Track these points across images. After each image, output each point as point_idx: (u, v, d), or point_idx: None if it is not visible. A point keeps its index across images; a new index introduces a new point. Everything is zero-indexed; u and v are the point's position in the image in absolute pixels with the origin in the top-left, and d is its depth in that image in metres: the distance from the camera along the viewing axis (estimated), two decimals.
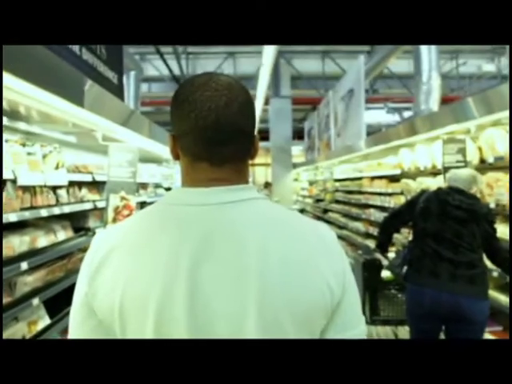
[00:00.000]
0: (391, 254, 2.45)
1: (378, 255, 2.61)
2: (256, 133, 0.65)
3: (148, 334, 0.54)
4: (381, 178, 4.85)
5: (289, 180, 9.43)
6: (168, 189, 5.32)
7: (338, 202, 6.97)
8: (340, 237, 6.88)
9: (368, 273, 2.61)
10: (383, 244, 2.38)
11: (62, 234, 2.28)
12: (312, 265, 0.56)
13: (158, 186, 4.95)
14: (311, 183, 9.17)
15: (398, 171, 4.14)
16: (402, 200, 4.13)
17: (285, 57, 9.52)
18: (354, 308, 0.61)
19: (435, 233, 2.07)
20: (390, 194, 4.45)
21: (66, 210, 2.19)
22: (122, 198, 2.55)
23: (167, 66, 9.21)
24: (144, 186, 4.05)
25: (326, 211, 7.99)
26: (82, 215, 2.59)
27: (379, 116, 10.82)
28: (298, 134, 12.39)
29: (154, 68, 9.60)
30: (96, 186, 2.79)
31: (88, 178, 2.53)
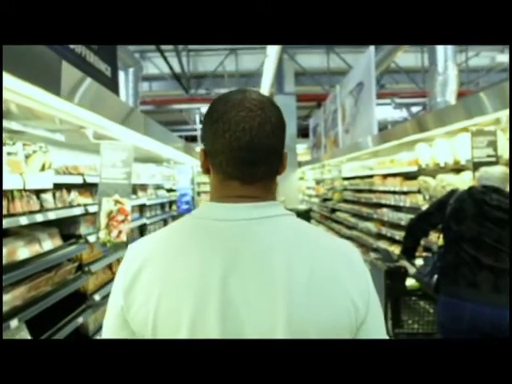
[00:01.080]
0: (418, 261, 2.18)
1: (403, 262, 2.33)
2: (284, 150, 0.65)
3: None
4: (394, 175, 4.58)
5: (294, 179, 9.16)
6: (170, 190, 5.08)
7: (346, 201, 6.70)
8: (349, 237, 6.61)
9: (391, 281, 2.34)
10: (410, 249, 2.11)
11: (49, 243, 2.03)
12: (338, 283, 0.57)
13: (158, 187, 4.70)
14: (318, 182, 8.90)
15: (414, 168, 3.86)
16: (419, 199, 3.86)
17: (288, 52, 9.26)
18: (377, 326, 0.61)
19: (472, 237, 1.80)
20: (405, 193, 4.18)
21: (52, 216, 1.94)
22: (116, 202, 2.30)
23: (168, 63, 9.01)
24: (143, 187, 3.81)
25: (333, 211, 7.71)
26: (73, 221, 2.35)
27: (386, 112, 10.51)
28: (303, 132, 12.12)
29: (155, 66, 9.37)
30: (89, 188, 2.54)
31: (78, 179, 2.29)
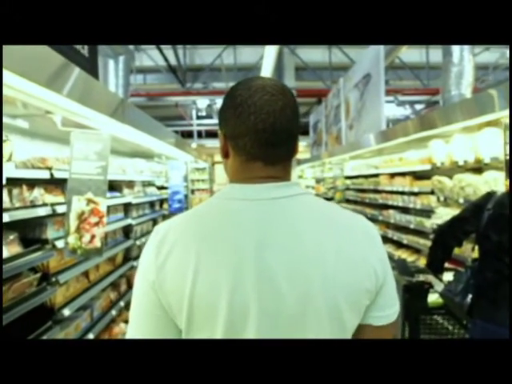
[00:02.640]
0: (445, 275, 1.85)
1: (428, 276, 2.00)
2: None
3: (220, 321, 0.57)
4: (402, 174, 4.25)
5: (293, 177, 8.81)
6: (162, 187, 4.73)
7: (348, 201, 6.38)
8: None
9: (410, 298, 2.01)
10: (438, 262, 1.78)
11: (4, 250, 1.68)
12: (360, 253, 0.63)
13: (149, 184, 4.35)
14: (318, 181, 8.56)
15: (426, 166, 3.53)
16: (431, 200, 3.53)
17: (289, 46, 8.91)
18: (392, 289, 0.68)
19: None
20: (415, 194, 3.85)
21: (5, 218, 1.59)
22: (89, 201, 1.95)
23: (163, 55, 8.63)
24: (130, 184, 3.45)
25: None
26: (39, 223, 1.99)
27: (389, 109, 10.18)
28: (301, 130, 11.77)
29: (149, 58, 8.99)
30: (60, 185, 2.19)
31: (44, 174, 1.94)
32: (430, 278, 1.94)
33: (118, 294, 3.07)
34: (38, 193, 1.91)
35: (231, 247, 0.58)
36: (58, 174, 2.00)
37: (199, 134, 14.24)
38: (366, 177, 5.61)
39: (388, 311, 0.66)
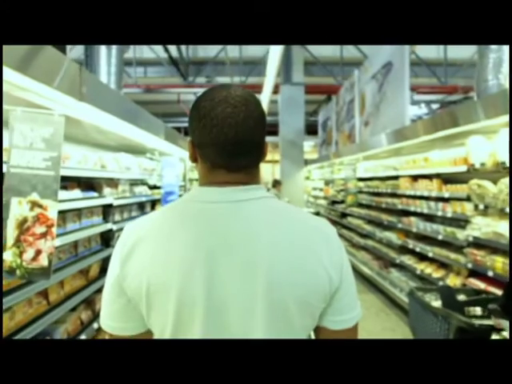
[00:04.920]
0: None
1: (501, 322, 1.47)
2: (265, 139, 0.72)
3: (170, 311, 0.62)
4: (428, 177, 3.72)
5: (300, 178, 8.28)
6: (154, 187, 4.23)
7: (361, 205, 5.84)
8: (363, 247, 5.76)
9: None
10: None
11: None
12: (314, 255, 0.64)
13: (139, 182, 3.86)
14: (327, 182, 8.02)
15: (461, 168, 3.00)
16: (466, 208, 2.99)
17: None
18: (350, 295, 0.68)
19: None
20: (445, 200, 3.31)
21: None
22: (34, 205, 1.45)
23: (165, 47, 8.17)
24: (112, 182, 2.96)
25: (344, 215, 6.85)
26: None
27: None
28: (309, 129, 11.22)
29: (150, 49, 8.52)
30: None
31: None
32: (502, 323, 1.42)
33: (93, 313, 2.58)
34: None
35: (186, 247, 0.62)
36: None
37: None
38: (382, 179, 5.07)
39: (345, 316, 0.67)
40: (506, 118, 2.38)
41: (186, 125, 13.07)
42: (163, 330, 0.63)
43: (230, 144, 0.64)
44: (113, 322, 0.67)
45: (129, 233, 0.67)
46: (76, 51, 6.74)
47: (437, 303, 2.32)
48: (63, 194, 2.12)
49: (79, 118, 1.81)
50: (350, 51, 8.76)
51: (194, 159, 0.71)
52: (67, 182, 2.33)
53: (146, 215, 0.71)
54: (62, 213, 2.13)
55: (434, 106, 10.06)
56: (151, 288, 0.61)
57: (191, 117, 0.68)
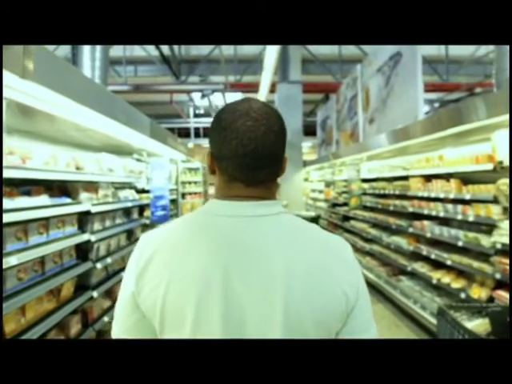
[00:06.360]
0: None
1: None
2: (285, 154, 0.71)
3: (186, 329, 0.60)
4: (443, 177, 3.39)
5: (298, 180, 7.94)
6: (143, 191, 3.86)
7: (365, 208, 5.51)
8: (368, 253, 5.42)
9: None
10: None
11: None
12: (331, 276, 0.63)
13: (127, 186, 3.49)
14: (328, 184, 7.69)
15: (485, 166, 2.67)
16: (492, 211, 2.66)
17: None
18: (366, 314, 0.66)
19: None
20: (466, 202, 2.98)
21: None
22: None
23: (157, 46, 7.83)
24: (91, 186, 2.59)
25: (346, 218, 6.51)
26: None
27: None
28: (306, 130, 10.90)
29: (141, 47, 8.15)
30: None
31: None
32: None
33: (67, 338, 2.20)
34: None
35: (202, 263, 0.61)
36: None
37: (197, 133, 13.42)
38: (388, 180, 4.74)
39: (362, 335, 0.65)
40: None
41: (179, 126, 12.73)
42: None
43: (248, 157, 0.63)
44: (125, 334, 0.66)
45: (144, 245, 0.66)
46: (62, 50, 6.38)
47: (470, 324, 1.98)
48: (23, 201, 1.76)
49: (28, 104, 1.44)
50: (349, 49, 8.46)
51: (212, 171, 0.71)
52: (31, 187, 1.96)
53: (160, 226, 0.71)
54: (21, 224, 1.76)
55: (435, 105, 9.77)
56: (167, 304, 0.61)
57: (212, 128, 0.67)
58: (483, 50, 8.41)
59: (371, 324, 0.67)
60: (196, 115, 12.04)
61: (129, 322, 0.65)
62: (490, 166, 2.61)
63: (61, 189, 2.37)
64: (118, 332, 0.67)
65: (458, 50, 8.56)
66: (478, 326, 1.93)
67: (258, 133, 0.63)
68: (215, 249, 0.61)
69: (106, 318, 2.63)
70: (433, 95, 9.84)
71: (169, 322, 0.61)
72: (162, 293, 0.60)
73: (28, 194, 1.91)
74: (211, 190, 7.10)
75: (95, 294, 2.49)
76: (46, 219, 1.97)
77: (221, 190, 0.68)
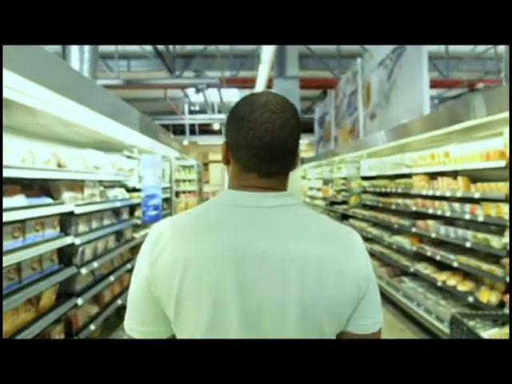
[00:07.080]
0: None
1: None
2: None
3: (203, 314, 0.61)
4: (449, 174, 3.24)
5: (296, 178, 7.77)
6: (134, 189, 3.67)
7: (365, 206, 5.36)
8: (369, 253, 5.26)
9: None
10: None
11: None
12: (343, 264, 0.64)
13: (117, 185, 3.30)
14: (326, 182, 7.53)
15: (497, 163, 2.52)
16: (504, 211, 2.51)
17: None
18: (374, 301, 0.69)
19: None
20: (475, 201, 2.83)
21: None
22: None
23: None
24: (76, 185, 2.41)
25: (345, 217, 6.36)
26: None
27: None
28: (304, 127, 10.72)
29: None
30: None
31: None
32: None
33: None
34: None
35: (217, 250, 0.61)
36: None
37: (192, 131, 13.19)
38: (390, 177, 4.59)
39: (369, 321, 0.67)
40: None
41: (174, 122, 12.49)
42: (193, 332, 0.62)
43: (264, 149, 0.65)
44: (138, 325, 0.66)
45: (158, 233, 0.66)
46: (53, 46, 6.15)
47: (487, 333, 1.83)
48: None
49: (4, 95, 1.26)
50: None
51: (226, 161, 0.72)
52: (6, 186, 1.78)
53: (178, 214, 0.71)
54: None
55: (435, 102, 9.63)
56: (184, 289, 0.61)
57: (229, 118, 0.69)
58: (483, 45, 8.27)
59: (379, 311, 0.70)
60: (191, 112, 11.82)
61: (142, 308, 0.65)
62: (501, 163, 2.46)
63: (42, 188, 2.19)
64: (129, 321, 0.67)
65: (458, 46, 8.41)
66: (496, 335, 1.78)
67: (275, 125, 0.64)
68: (231, 237, 0.62)
69: (92, 327, 2.45)
70: (433, 92, 9.69)
71: (185, 306, 0.61)
72: (178, 281, 0.61)
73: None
74: (206, 188, 6.91)
75: (80, 301, 2.31)
76: (22, 222, 1.78)
77: (235, 180, 0.69)
